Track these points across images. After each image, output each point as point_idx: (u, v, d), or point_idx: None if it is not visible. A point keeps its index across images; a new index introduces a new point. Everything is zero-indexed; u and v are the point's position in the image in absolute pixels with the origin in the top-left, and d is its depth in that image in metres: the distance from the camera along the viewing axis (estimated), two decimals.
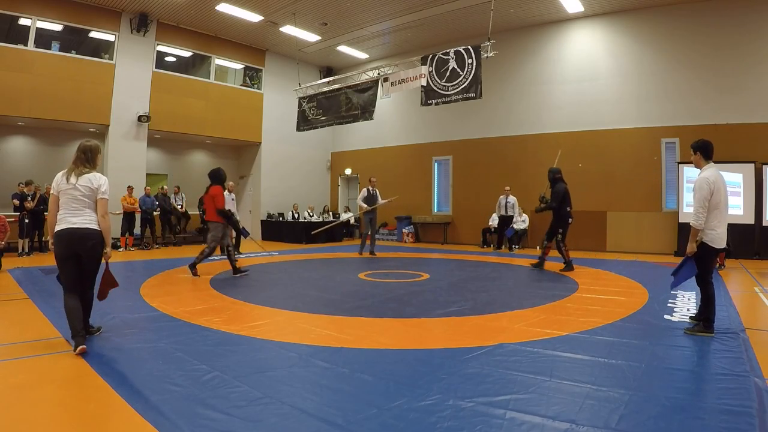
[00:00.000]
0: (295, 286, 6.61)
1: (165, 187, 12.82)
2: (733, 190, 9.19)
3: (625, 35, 11.21)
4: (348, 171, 16.52)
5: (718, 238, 3.88)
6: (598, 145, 11.40)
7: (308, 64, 15.33)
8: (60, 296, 3.57)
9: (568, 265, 7.68)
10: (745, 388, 2.71)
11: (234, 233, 9.51)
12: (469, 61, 8.81)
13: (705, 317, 3.92)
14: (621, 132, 11.20)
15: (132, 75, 11.81)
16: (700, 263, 3.95)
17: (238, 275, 7.06)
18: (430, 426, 2.26)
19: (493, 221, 12.18)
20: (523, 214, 11.82)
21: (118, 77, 11.60)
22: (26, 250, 9.72)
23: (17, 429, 2.25)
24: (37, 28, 10.49)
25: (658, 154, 10.78)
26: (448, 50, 9.13)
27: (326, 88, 12.13)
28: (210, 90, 13.69)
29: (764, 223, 9.54)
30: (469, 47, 8.84)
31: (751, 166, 9.62)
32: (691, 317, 4.35)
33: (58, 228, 3.44)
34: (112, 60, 11.60)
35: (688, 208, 9.46)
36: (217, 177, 7.13)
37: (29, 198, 9.68)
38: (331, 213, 15.84)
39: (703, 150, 4.04)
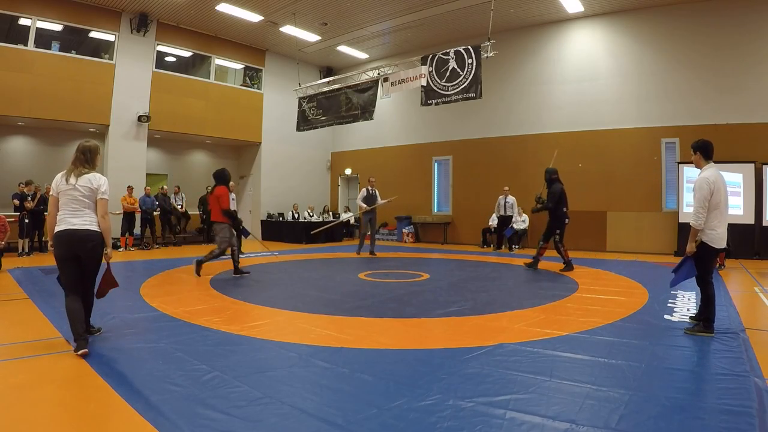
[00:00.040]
0: (295, 286, 6.61)
1: (165, 187, 12.82)
2: (733, 190, 9.18)
3: (625, 35, 11.21)
4: (348, 171, 16.52)
5: (719, 238, 3.88)
6: (598, 145, 11.40)
7: (308, 64, 15.33)
8: (60, 296, 3.56)
9: (568, 265, 7.67)
10: (745, 388, 2.71)
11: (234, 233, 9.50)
12: (469, 61, 8.81)
13: (705, 317, 3.92)
14: (621, 132, 11.20)
15: (132, 75, 11.81)
16: (700, 263, 3.95)
17: (238, 275, 7.06)
18: (430, 426, 2.26)
19: (493, 221, 12.19)
20: (523, 214, 11.81)
21: (118, 77, 11.60)
22: (26, 250, 9.72)
23: (17, 429, 2.25)
24: (37, 28, 10.49)
25: (658, 154, 10.78)
26: (448, 50, 9.14)
27: (326, 88, 12.14)
28: (210, 90, 13.69)
29: (764, 223, 9.54)
30: (469, 47, 8.84)
31: (751, 166, 9.62)
32: (691, 317, 4.35)
33: (57, 229, 3.42)
34: (112, 60, 11.60)
35: (688, 208, 9.45)
36: (221, 177, 7.14)
37: (29, 198, 9.68)
38: (331, 213, 15.84)
39: (703, 150, 4.04)
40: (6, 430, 2.23)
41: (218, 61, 13.89)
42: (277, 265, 8.86)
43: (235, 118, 14.15)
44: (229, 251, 7.13)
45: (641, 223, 11.00)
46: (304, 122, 12.52)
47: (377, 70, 10.73)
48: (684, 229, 9.34)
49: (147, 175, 12.47)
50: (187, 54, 13.30)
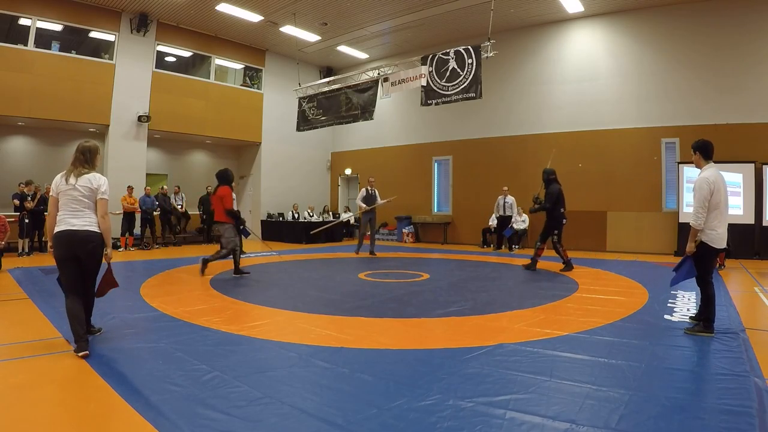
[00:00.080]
0: (295, 286, 6.61)
1: (165, 187, 12.82)
2: (733, 190, 9.19)
3: (625, 35, 11.21)
4: (348, 171, 16.52)
5: (719, 238, 3.88)
6: (598, 145, 11.40)
7: (308, 64, 15.33)
8: (60, 296, 3.56)
9: (568, 265, 7.67)
10: (745, 388, 2.71)
11: None
12: (469, 61, 8.81)
13: (705, 317, 3.92)
14: (621, 132, 11.20)
15: (132, 75, 11.81)
16: (700, 263, 3.95)
17: (238, 275, 7.06)
18: (430, 426, 2.26)
19: (493, 222, 12.19)
20: (523, 214, 11.81)
21: (118, 77, 11.60)
22: (26, 250, 9.72)
23: (17, 429, 2.25)
24: (37, 28, 10.49)
25: (658, 154, 10.78)
26: (448, 50, 9.13)
27: (326, 88, 12.13)
28: (210, 90, 13.69)
29: (764, 223, 9.54)
30: (469, 47, 8.83)
31: (751, 166, 9.62)
32: (691, 317, 4.35)
33: (57, 229, 3.40)
34: (112, 60, 11.60)
35: (688, 208, 9.45)
36: (224, 177, 7.14)
37: (29, 198, 9.68)
38: (331, 213, 15.85)
39: (703, 150, 4.04)
40: (6, 430, 2.23)
41: (218, 61, 13.89)
42: (277, 265, 8.86)
43: (235, 118, 14.15)
44: (223, 251, 7.13)
45: (641, 223, 11.00)
46: (304, 122, 12.52)
47: (377, 70, 10.73)
48: (684, 229, 9.33)
49: (147, 175, 12.47)
50: (187, 54, 13.30)
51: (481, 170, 13.21)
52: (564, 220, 7.59)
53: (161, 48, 12.53)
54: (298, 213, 14.68)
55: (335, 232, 14.19)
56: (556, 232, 7.56)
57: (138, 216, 11.39)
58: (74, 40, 11.30)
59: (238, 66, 14.56)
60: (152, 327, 4.13)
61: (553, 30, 12.14)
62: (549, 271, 7.74)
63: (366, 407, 2.48)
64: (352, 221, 14.88)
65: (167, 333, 3.90)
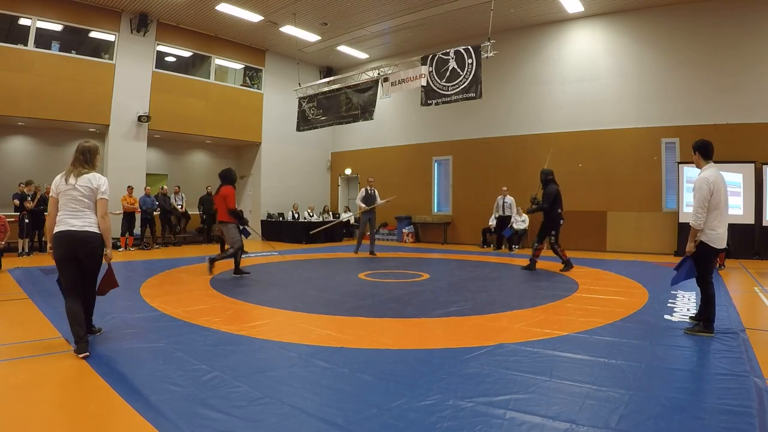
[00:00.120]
0: (295, 286, 6.61)
1: (165, 187, 12.82)
2: (733, 190, 9.19)
3: (625, 35, 11.21)
4: (348, 171, 16.52)
5: (719, 239, 3.88)
6: (598, 145, 11.40)
7: (308, 64, 15.33)
8: (60, 296, 3.56)
9: (567, 265, 7.67)
10: (745, 388, 2.71)
11: None
12: (469, 61, 8.81)
13: (705, 317, 3.92)
14: (621, 132, 11.20)
15: (132, 75, 11.81)
16: (700, 263, 3.94)
17: (239, 275, 7.06)
18: (430, 426, 2.26)
19: (492, 222, 12.18)
20: (523, 214, 11.81)
21: (118, 77, 11.60)
22: (26, 250, 9.72)
23: (17, 429, 2.25)
24: (37, 28, 10.49)
25: (658, 154, 10.78)
26: (448, 50, 9.13)
27: (326, 88, 12.13)
28: (210, 90, 13.69)
29: (764, 223, 9.54)
30: (469, 47, 8.83)
31: (751, 166, 9.62)
32: (691, 317, 4.35)
33: (56, 230, 3.38)
34: (112, 60, 11.61)
35: (688, 208, 9.45)
36: (228, 177, 7.14)
37: (29, 198, 9.68)
38: (331, 213, 15.85)
39: (702, 150, 4.04)
40: (6, 430, 2.23)
41: (218, 61, 13.89)
42: (277, 265, 8.86)
43: (235, 118, 14.15)
44: (230, 250, 7.13)
45: (641, 223, 11.00)
46: (304, 122, 12.52)
47: (377, 70, 10.73)
48: (684, 229, 9.33)
49: (147, 175, 12.47)
50: (187, 54, 13.30)
51: (481, 170, 13.21)
52: (561, 221, 7.59)
53: (161, 48, 12.54)
54: (298, 213, 14.68)
55: (335, 232, 14.19)
56: (553, 233, 7.56)
57: (138, 216, 11.39)
58: (74, 40, 11.30)
59: (238, 66, 14.57)
60: (152, 327, 4.13)
61: (553, 30, 12.14)
62: (549, 271, 7.74)
63: (366, 407, 2.48)
64: (352, 221, 14.88)
65: (167, 333, 3.90)
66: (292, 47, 13.92)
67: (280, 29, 12.72)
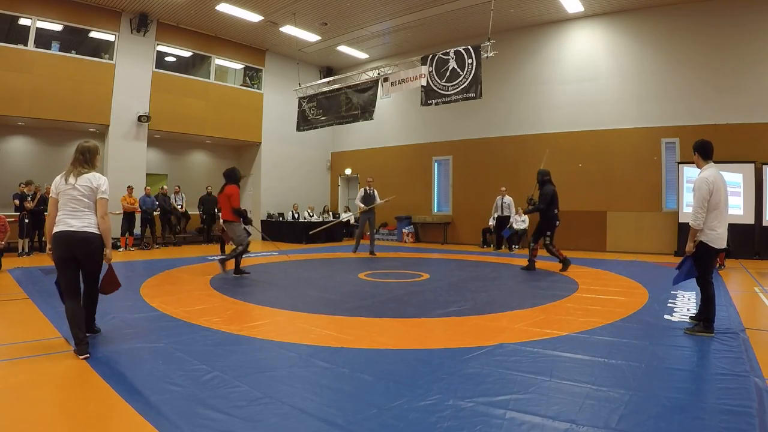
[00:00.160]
0: (295, 286, 6.61)
1: (165, 187, 12.82)
2: (733, 190, 9.19)
3: (625, 35, 11.21)
4: (348, 171, 16.52)
5: (719, 239, 3.88)
6: (598, 145, 11.40)
7: (308, 64, 15.33)
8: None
9: (565, 263, 7.67)
10: (745, 388, 2.71)
11: None
12: (469, 61, 8.81)
13: (705, 317, 3.92)
14: (621, 132, 11.20)
15: (132, 75, 11.81)
16: (700, 263, 3.95)
17: (239, 275, 7.06)
18: (430, 426, 2.26)
19: (492, 222, 12.17)
20: (523, 214, 11.80)
21: (118, 77, 11.60)
22: (26, 250, 9.72)
23: (17, 429, 2.25)
24: (37, 28, 10.49)
25: (658, 154, 10.78)
26: (448, 50, 9.13)
27: (326, 88, 12.13)
28: (210, 90, 13.69)
29: (764, 223, 9.54)
30: (469, 47, 8.83)
31: (751, 166, 9.62)
32: (691, 317, 4.35)
33: (56, 230, 3.36)
34: (112, 60, 11.60)
35: (688, 208, 9.42)
36: (232, 176, 7.15)
37: (29, 198, 9.68)
38: (331, 213, 15.85)
39: (702, 150, 4.04)
40: (6, 430, 2.23)
41: (218, 61, 13.89)
42: (277, 265, 8.86)
43: (235, 118, 14.15)
44: (230, 249, 7.14)
45: (641, 223, 11.00)
46: (304, 122, 12.52)
47: (377, 70, 10.72)
48: (684, 229, 9.31)
49: (147, 175, 12.47)
50: (187, 54, 13.30)
51: (481, 170, 13.21)
52: (557, 222, 7.59)
53: (161, 48, 12.53)
54: (298, 213, 14.68)
55: (335, 232, 14.19)
56: (548, 233, 7.55)
57: (138, 216, 11.39)
58: (74, 40, 11.30)
59: (238, 66, 14.56)
60: (152, 327, 4.13)
61: (553, 30, 12.14)
62: (548, 271, 7.74)
63: (366, 407, 2.48)
64: (351, 221, 14.88)
65: (167, 333, 3.90)
66: (292, 47, 13.92)
67: (280, 29, 12.72)
